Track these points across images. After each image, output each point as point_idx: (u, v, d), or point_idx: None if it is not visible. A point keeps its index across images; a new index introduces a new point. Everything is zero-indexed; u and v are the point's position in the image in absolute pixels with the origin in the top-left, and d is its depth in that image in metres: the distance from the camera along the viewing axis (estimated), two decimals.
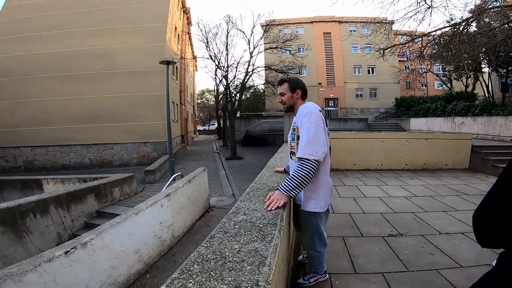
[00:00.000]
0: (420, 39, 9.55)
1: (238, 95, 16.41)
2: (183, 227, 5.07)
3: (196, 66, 33.16)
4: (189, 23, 22.84)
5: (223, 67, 15.64)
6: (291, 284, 2.15)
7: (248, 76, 15.08)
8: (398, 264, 2.51)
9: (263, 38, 15.46)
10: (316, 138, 1.65)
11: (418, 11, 7.91)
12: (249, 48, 14.88)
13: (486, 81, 18.12)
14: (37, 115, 13.66)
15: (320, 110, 1.84)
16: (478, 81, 18.47)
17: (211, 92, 50.59)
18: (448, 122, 13.48)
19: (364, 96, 30.32)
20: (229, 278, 0.89)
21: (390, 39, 9.91)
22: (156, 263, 4.12)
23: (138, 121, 13.82)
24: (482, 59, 13.98)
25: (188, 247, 4.56)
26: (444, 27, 8.72)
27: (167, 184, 6.31)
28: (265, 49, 15.94)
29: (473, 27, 10.46)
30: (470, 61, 11.42)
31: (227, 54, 15.53)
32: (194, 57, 25.47)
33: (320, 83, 29.47)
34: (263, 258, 1.01)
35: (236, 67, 15.94)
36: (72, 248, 3.02)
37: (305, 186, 1.62)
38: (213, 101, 49.49)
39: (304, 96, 2.00)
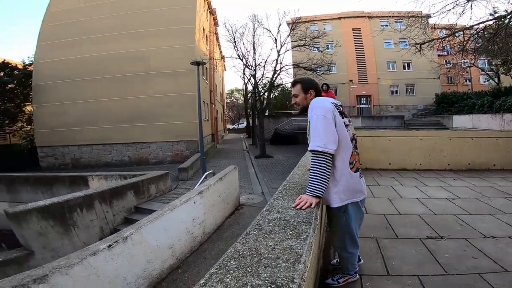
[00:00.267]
0: (462, 32, 8.84)
1: (266, 93, 16.41)
2: (214, 224, 5.17)
3: (224, 66, 33.65)
4: (215, 24, 23.20)
5: (251, 66, 15.75)
6: (319, 283, 2.13)
7: (276, 75, 15.06)
8: (436, 267, 2.37)
9: (289, 36, 15.31)
10: (323, 130, 1.64)
11: (457, 4, 7.35)
12: (276, 46, 14.83)
13: None
14: (83, 116, 14.83)
15: (335, 104, 1.83)
16: None
17: (240, 91, 51.15)
18: (497, 119, 12.30)
19: (399, 93, 28.72)
20: (265, 274, 0.91)
21: (428, 34, 9.31)
22: (187, 258, 4.22)
23: (172, 121, 14.41)
24: None
25: (217, 244, 4.63)
26: (488, 20, 8.03)
27: (199, 182, 6.50)
28: (293, 47, 15.77)
29: None
30: None
31: (254, 53, 15.67)
32: (222, 57, 25.90)
33: (351, 80, 28.46)
34: (298, 256, 1.02)
35: (264, 66, 15.95)
36: (114, 242, 3.15)
37: (324, 180, 1.62)
38: (241, 100, 50.02)
39: (318, 96, 1.97)
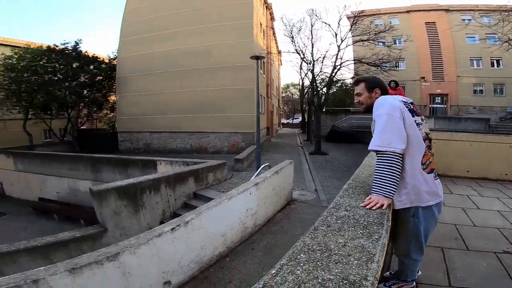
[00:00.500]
0: None
1: (324, 89, 15.91)
2: (265, 217, 5.21)
3: (280, 60, 33.54)
4: (272, 19, 23.15)
5: (309, 61, 15.48)
6: None
7: (336, 70, 14.44)
8: (509, 283, 2.12)
9: (351, 31, 14.46)
10: (388, 128, 1.56)
11: None
12: (336, 41, 14.15)
13: None
14: (155, 106, 16.46)
15: (404, 102, 1.73)
16: None
17: (296, 86, 50.58)
18: None
19: (485, 93, 24.80)
20: (336, 270, 0.91)
21: None
22: (236, 247, 4.31)
23: (230, 113, 15.02)
24: None
25: (266, 237, 4.65)
26: None
27: (255, 174, 6.64)
28: (355, 42, 14.86)
29: None
30: None
31: (312, 48, 15.41)
32: (279, 52, 25.79)
33: (423, 77, 25.54)
34: (372, 255, 1.01)
35: (322, 61, 15.63)
36: (177, 226, 3.37)
37: (393, 180, 1.54)
38: (297, 95, 49.45)
39: (384, 95, 1.86)
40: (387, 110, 1.62)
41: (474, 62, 24.97)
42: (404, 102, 1.74)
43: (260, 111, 16.32)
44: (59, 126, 20.51)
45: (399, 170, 1.55)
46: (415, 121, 1.68)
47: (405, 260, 1.93)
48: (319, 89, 16.49)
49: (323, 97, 15.91)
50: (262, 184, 4.90)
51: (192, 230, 3.57)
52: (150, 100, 16.60)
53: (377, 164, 1.60)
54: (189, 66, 15.63)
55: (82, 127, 22.04)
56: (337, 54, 14.10)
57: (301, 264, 0.96)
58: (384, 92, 1.89)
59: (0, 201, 13.40)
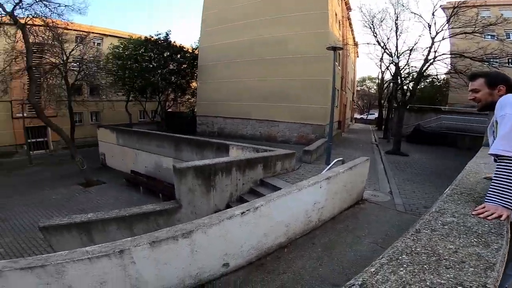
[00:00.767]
0: None
1: (411, 84, 14.29)
2: (331, 213, 5.05)
3: (357, 52, 31.43)
4: (348, 9, 21.62)
5: (393, 53, 14.29)
6: None
7: (428, 64, 12.78)
8: None
9: (449, 22, 12.48)
10: None
11: None
12: (430, 33, 12.44)
13: None
14: (230, 93, 17.42)
15: None
16: None
17: (373, 80, 47.04)
18: None
19: None
20: (448, 275, 0.87)
21: None
22: (297, 240, 4.27)
23: (302, 103, 14.83)
24: None
25: (329, 233, 4.51)
26: None
27: (327, 167, 6.46)
28: (455, 34, 12.79)
29: None
30: None
31: (396, 40, 14.48)
32: (355, 43, 24.14)
33: None
34: (491, 264, 0.95)
35: (409, 54, 14.32)
36: (247, 210, 3.44)
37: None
38: (374, 89, 45.79)
39: (509, 92, 1.58)
40: None
41: None
42: None
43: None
44: (151, 108, 23.71)
45: None
46: None
47: None
48: (404, 84, 14.92)
49: (408, 93, 14.32)
50: (333, 178, 4.73)
51: (260, 217, 3.63)
52: (226, 87, 17.60)
53: (498, 170, 1.39)
54: (264, 56, 15.89)
55: (169, 110, 24.91)
56: (430, 47, 12.48)
57: (404, 265, 0.93)
58: (510, 89, 1.62)
59: (102, 171, 16.34)
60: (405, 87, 15.33)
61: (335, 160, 6.78)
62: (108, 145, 16.90)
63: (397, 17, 13.96)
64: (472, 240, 1.09)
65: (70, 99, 17.91)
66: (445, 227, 1.16)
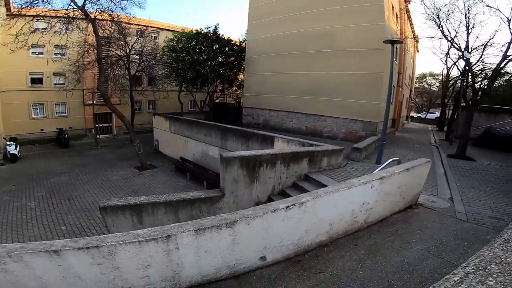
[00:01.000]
0: None
1: (484, 82, 12.61)
2: (380, 215, 4.74)
3: (417, 47, 28.59)
4: (406, 1, 19.51)
5: (462, 48, 12.90)
6: None
7: (506, 61, 11.12)
8: None
9: None
10: None
11: None
12: (510, 28, 10.71)
13: None
14: (276, 86, 17.30)
15: None
16: None
17: (436, 76, 42.59)
18: None
19: None
20: None
21: None
22: (338, 239, 4.12)
23: (352, 99, 14.06)
24: None
25: (374, 236, 4.26)
26: None
27: (381, 167, 6.02)
28: None
29: None
30: None
31: (467, 34, 12.75)
32: (415, 37, 21.98)
33: None
34: None
35: (483, 49, 13.02)
36: (292, 205, 3.37)
37: None
38: (436, 86, 41.61)
39: None
40: None
41: None
42: None
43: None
44: (200, 98, 24.81)
45: None
46: None
47: None
48: (475, 81, 13.33)
49: (479, 92, 12.68)
50: (387, 179, 4.38)
51: (304, 212, 3.54)
52: (272, 80, 17.50)
53: None
54: (312, 49, 15.38)
55: (216, 101, 25.78)
56: (509, 43, 10.81)
57: (494, 275, 0.77)
58: None
59: (155, 156, 17.67)
60: (476, 85, 13.64)
61: (390, 160, 6.29)
62: (161, 132, 18.18)
63: (468, 10, 12.53)
64: None
65: (131, 88, 19.62)
66: None
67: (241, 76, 23.75)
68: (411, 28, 22.44)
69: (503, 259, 0.86)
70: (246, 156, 5.92)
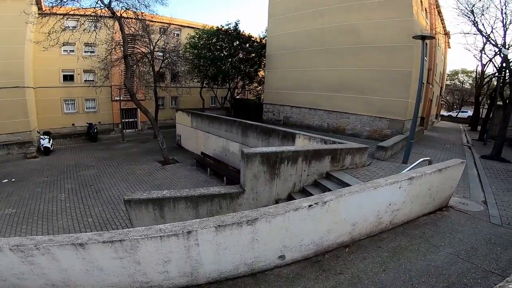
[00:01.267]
0: None
1: None
2: (406, 217, 4.52)
3: (448, 43, 26.98)
4: None
5: (499, 44, 12.38)
6: None
7: None
8: None
9: None
10: None
11: None
12: None
13: None
14: (298, 82, 16.98)
15: None
16: None
17: (469, 74, 40.23)
18: None
19: None
20: None
21: None
22: (360, 240, 4.01)
23: (377, 96, 13.51)
24: None
25: (399, 239, 4.09)
26: None
27: (411, 166, 5.71)
28: None
29: None
30: None
31: (505, 30, 12.30)
32: (446, 33, 20.71)
33: None
34: None
35: None
36: (314, 203, 3.27)
37: None
38: (469, 84, 39.33)
39: None
40: None
41: None
42: None
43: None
44: (221, 94, 24.98)
45: None
46: None
47: None
48: None
49: None
50: (417, 180, 4.13)
51: (327, 212, 3.44)
52: (294, 76, 17.20)
53: None
54: (334, 45, 14.95)
55: (237, 97, 25.83)
56: None
57: None
58: None
59: (177, 151, 18.02)
60: None
61: (420, 160, 5.97)
62: (183, 127, 18.51)
63: (505, 6, 11.98)
64: None
65: (155, 84, 20.12)
66: None
67: (261, 73, 23.61)
68: (442, 23, 21.34)
69: None
70: (267, 152, 5.84)
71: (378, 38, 13.29)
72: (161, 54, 20.19)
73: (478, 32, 12.65)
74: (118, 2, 13.47)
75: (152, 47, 18.51)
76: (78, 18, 13.85)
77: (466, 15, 12.75)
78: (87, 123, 21.85)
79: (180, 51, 21.80)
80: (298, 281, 3.19)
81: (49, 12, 13.39)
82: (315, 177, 6.74)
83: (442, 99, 36.51)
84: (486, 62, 21.64)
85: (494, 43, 12.77)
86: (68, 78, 21.25)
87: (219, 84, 22.39)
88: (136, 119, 25.30)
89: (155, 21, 18.05)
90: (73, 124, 21.92)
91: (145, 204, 4.96)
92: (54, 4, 12.38)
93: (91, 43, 16.59)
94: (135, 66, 18.76)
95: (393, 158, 9.25)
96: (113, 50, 16.48)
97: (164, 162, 15.18)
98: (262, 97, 23.59)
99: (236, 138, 13.00)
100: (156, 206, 5.01)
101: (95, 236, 2.61)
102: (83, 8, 13.05)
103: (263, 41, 21.71)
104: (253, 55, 21.95)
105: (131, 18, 14.48)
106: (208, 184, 12.17)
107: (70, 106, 21.91)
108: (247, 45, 21.75)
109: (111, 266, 2.64)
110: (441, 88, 28.94)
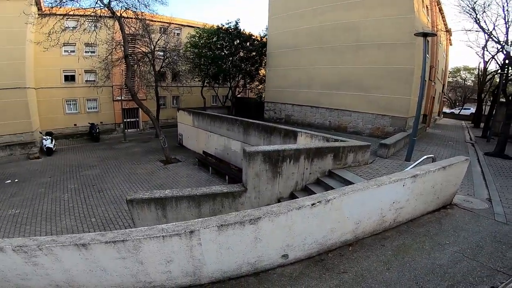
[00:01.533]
0: None
1: None
2: (410, 215, 4.50)
3: (450, 40, 26.95)
4: None
5: (501, 41, 12.51)
6: None
7: None
8: None
9: None
10: None
11: None
12: None
13: None
14: (299, 80, 16.96)
15: None
16: None
17: (471, 71, 40.20)
18: None
19: None
20: None
21: None
22: (364, 239, 4.01)
23: (379, 93, 13.47)
24: None
25: (403, 237, 4.08)
26: None
27: (414, 164, 5.68)
28: None
29: None
30: None
31: (507, 27, 12.46)
32: (448, 30, 20.63)
33: None
34: None
35: None
36: (317, 202, 3.26)
37: None
38: (471, 81, 39.25)
39: None
40: None
41: None
42: None
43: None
44: (222, 93, 24.96)
45: None
46: None
47: None
48: None
49: None
50: (421, 177, 4.10)
51: (330, 210, 3.43)
52: (295, 74, 17.18)
53: None
54: (335, 43, 14.91)
55: (238, 95, 25.79)
56: None
57: None
58: None
59: (179, 150, 18.04)
60: None
61: (424, 157, 5.94)
62: (185, 126, 18.52)
63: (507, 3, 12.07)
64: None
65: (156, 84, 20.11)
66: None
67: (262, 71, 23.55)
68: (443, 20, 21.28)
69: None
70: (269, 150, 5.82)
71: (380, 35, 13.25)
72: (161, 53, 20.15)
73: (480, 29, 12.62)
74: (117, 2, 13.44)
75: (152, 47, 18.48)
76: (78, 18, 13.84)
77: (467, 12, 12.75)
78: (89, 123, 21.89)
79: (181, 51, 21.74)
80: (302, 280, 3.18)
81: (48, 12, 13.38)
82: (317, 175, 6.73)
83: (445, 96, 36.37)
84: (489, 59, 21.56)
85: (496, 40, 12.72)
86: (70, 78, 21.25)
87: (220, 83, 22.35)
88: (137, 119, 25.32)
89: (155, 21, 18.02)
90: (75, 125, 21.95)
91: (147, 204, 4.96)
92: (53, 5, 12.34)
93: (91, 43, 16.55)
94: (136, 65, 18.73)
95: (396, 156, 9.22)
96: (114, 50, 16.46)
97: (166, 161, 15.19)
98: (263, 96, 23.53)
99: (238, 137, 12.98)
100: (158, 205, 5.01)
101: (98, 236, 2.60)
102: (82, 8, 13.01)
103: (264, 39, 21.66)
104: (254, 53, 21.88)
105: (131, 18, 14.45)
106: (210, 183, 12.16)
107: (72, 106, 21.92)
108: (248, 43, 21.68)
109: (114, 266, 2.64)
110: (443, 85, 28.82)
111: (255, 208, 3.26)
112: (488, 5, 12.71)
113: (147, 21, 16.24)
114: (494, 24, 13.03)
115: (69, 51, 20.40)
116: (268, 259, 3.26)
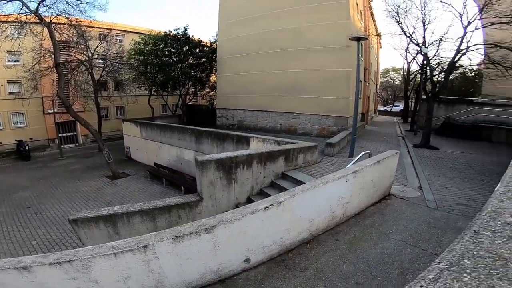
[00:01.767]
0: None
1: (441, 75, 13.69)
2: (356, 208, 4.91)
3: (380, 43, 30.39)
4: None
5: (420, 43, 14.10)
6: None
7: (460, 54, 12.16)
8: None
9: (481, 13, 11.73)
10: None
11: None
12: (462, 23, 11.84)
13: None
14: (249, 86, 17.29)
15: None
16: None
17: (398, 71, 45.78)
18: None
19: None
20: None
21: None
22: (319, 236, 4.20)
23: (323, 95, 14.44)
24: None
25: (353, 230, 4.42)
26: None
27: (353, 161, 6.22)
28: (489, 24, 11.96)
29: None
30: None
31: (424, 30, 14.01)
32: (378, 34, 23.33)
33: None
34: None
35: (438, 44, 14.05)
36: (270, 205, 3.38)
37: None
38: (399, 80, 44.43)
39: None
40: None
41: None
42: None
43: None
44: (172, 101, 24.17)
45: None
46: None
47: None
48: (433, 74, 14.45)
49: (438, 85, 13.74)
50: (360, 172, 4.55)
51: (282, 212, 3.57)
52: (245, 80, 17.49)
53: None
54: (283, 48, 15.60)
55: (189, 103, 25.24)
56: (462, 37, 11.85)
57: (467, 271, 0.79)
58: None
59: (127, 164, 16.92)
60: (434, 78, 14.76)
61: (361, 153, 6.51)
62: (132, 138, 17.43)
63: (424, 6, 13.70)
64: None
65: (96, 94, 18.58)
66: (506, 228, 1.00)
67: (213, 78, 23.44)
68: (374, 24, 23.56)
69: (475, 252, 0.88)
70: (221, 158, 5.85)
71: (320, 40, 14.18)
72: (101, 61, 18.73)
73: (402, 33, 14.25)
74: (47, 8, 12.18)
75: (90, 54, 17.09)
76: None
77: (393, 17, 14.31)
78: (15, 140, 19.24)
79: (124, 58, 20.51)
80: (267, 282, 3.26)
81: None
82: (271, 178, 6.91)
83: (378, 95, 40.44)
84: (411, 60, 24.39)
85: (415, 42, 14.41)
86: None
87: (169, 91, 21.63)
88: (75, 133, 23.04)
89: (94, 27, 16.73)
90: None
91: (94, 222, 4.62)
92: None
93: (15, 51, 14.66)
94: (70, 75, 17.09)
95: (341, 153, 9.98)
96: (42, 58, 14.79)
97: (113, 176, 14.13)
98: (215, 103, 23.44)
99: (190, 146, 12.72)
100: (108, 223, 4.69)
101: (40, 258, 2.44)
102: (5, 15, 11.50)
103: (214, 45, 21.58)
104: (204, 60, 21.68)
105: (63, 24, 13.21)
106: (164, 195, 11.66)
107: None
108: (197, 50, 21.42)
109: (66, 287, 2.48)
110: (376, 85, 32.09)
111: (210, 217, 3.28)
112: (409, 9, 14.43)
113: (83, 27, 15.00)
114: (414, 27, 15.20)
115: None
116: (230, 265, 3.30)
